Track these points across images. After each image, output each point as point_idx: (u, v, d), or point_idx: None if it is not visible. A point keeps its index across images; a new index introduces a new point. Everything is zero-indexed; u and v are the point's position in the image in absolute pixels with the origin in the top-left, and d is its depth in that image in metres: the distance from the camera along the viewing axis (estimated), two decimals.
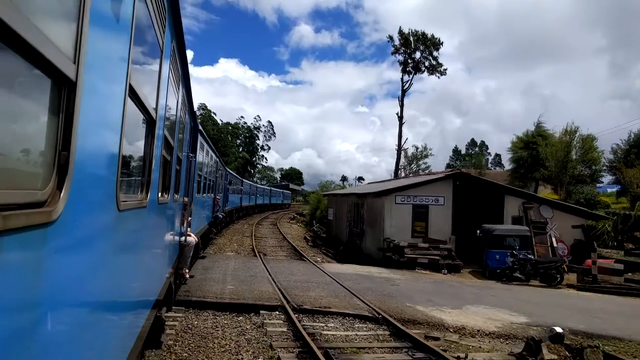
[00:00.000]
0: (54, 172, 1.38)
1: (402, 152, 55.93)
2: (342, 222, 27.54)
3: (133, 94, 2.40)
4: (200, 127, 11.23)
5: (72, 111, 1.41)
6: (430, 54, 54.99)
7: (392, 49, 55.62)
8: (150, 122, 3.22)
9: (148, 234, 3.62)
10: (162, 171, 4.17)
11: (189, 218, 8.54)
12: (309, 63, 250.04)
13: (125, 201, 2.44)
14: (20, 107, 1.25)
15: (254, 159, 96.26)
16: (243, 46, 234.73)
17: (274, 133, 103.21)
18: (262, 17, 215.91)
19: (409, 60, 55.00)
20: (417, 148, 62.49)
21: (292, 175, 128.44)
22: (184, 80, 5.92)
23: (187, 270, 8.99)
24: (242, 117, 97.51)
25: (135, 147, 2.92)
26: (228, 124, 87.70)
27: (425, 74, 56.11)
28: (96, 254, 1.97)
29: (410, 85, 55.85)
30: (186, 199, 7.79)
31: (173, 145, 5.00)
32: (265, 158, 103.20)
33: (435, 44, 54.45)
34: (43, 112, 1.33)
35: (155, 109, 3.31)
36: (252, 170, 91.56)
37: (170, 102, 4.36)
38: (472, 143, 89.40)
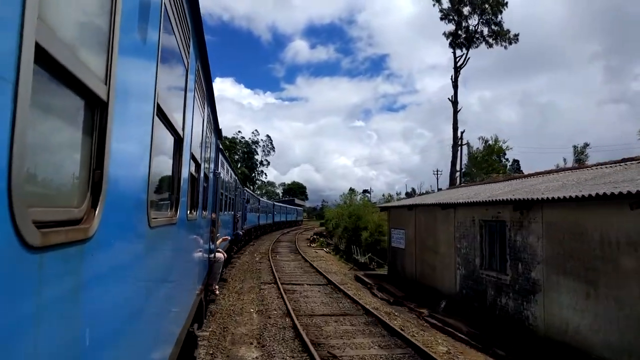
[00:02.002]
0: (88, 191, 1.42)
1: (464, 148, 42.13)
2: (435, 256, 15.82)
3: (161, 114, 2.47)
4: (220, 146, 11.37)
5: (105, 131, 1.46)
6: (494, 16, 41.26)
7: (440, 14, 42.78)
8: (178, 141, 3.30)
9: (178, 251, 3.68)
10: (190, 188, 4.25)
11: (218, 234, 8.64)
12: (304, 79, 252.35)
13: (156, 218, 2.49)
14: (58, 128, 1.30)
15: (253, 174, 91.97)
16: (238, 65, 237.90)
17: (273, 147, 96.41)
18: (256, 35, 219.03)
19: (460, 31, 42.36)
20: (486, 141, 47.52)
21: (295, 190, 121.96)
22: (209, 98, 6.06)
23: (216, 287, 9.07)
24: (239, 132, 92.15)
25: (165, 165, 2.99)
26: (225, 138, 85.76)
27: (483, 45, 42.33)
28: (130, 270, 2.01)
29: (467, 61, 42.54)
30: (214, 215, 7.90)
31: (200, 163, 5.10)
32: (265, 174, 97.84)
33: (500, 3, 40.67)
34: (78, 132, 1.38)
35: (183, 128, 3.40)
36: (252, 187, 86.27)
37: (197, 121, 4.46)
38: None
